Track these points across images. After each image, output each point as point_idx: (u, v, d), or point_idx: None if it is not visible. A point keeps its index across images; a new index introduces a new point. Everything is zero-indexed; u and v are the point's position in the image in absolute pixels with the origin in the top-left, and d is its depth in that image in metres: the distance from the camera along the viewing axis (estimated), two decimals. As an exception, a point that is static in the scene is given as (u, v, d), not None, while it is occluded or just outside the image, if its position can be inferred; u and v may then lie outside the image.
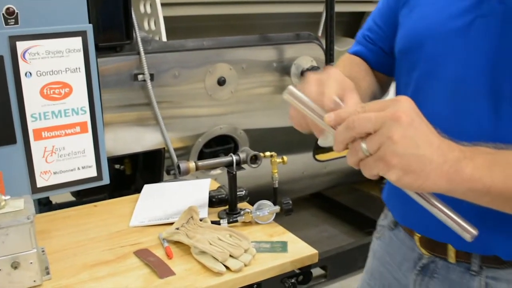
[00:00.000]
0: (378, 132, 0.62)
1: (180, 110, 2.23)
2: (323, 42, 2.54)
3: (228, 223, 1.37)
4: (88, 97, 1.55)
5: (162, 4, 2.26)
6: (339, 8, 2.60)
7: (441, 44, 0.85)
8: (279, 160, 1.50)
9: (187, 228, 1.30)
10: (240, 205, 1.47)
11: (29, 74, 1.45)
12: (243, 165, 1.45)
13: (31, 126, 1.48)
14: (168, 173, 2.24)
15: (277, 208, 1.40)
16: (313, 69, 2.46)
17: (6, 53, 1.41)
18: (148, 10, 2.32)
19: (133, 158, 2.35)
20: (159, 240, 1.31)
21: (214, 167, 1.51)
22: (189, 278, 1.15)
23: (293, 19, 3.28)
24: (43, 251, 1.23)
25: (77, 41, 1.50)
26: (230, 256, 1.18)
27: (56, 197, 2.15)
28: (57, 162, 1.54)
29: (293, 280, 1.27)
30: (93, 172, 1.61)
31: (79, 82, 1.53)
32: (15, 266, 1.08)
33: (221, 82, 2.26)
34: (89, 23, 1.53)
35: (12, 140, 1.46)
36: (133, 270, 1.19)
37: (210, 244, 1.22)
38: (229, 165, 1.44)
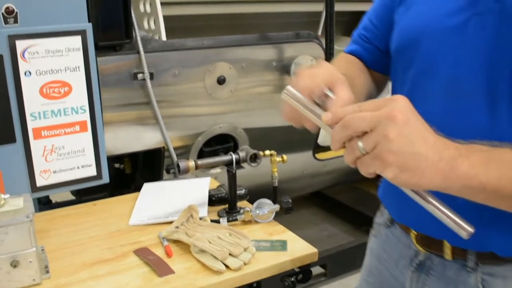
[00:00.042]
0: (374, 131, 0.62)
1: (180, 109, 2.23)
2: (323, 41, 2.54)
3: (228, 221, 1.37)
4: (87, 96, 1.55)
5: (162, 3, 2.26)
6: (339, 7, 2.60)
7: (437, 42, 0.85)
8: (278, 159, 1.51)
9: (187, 226, 1.30)
10: (239, 203, 1.47)
11: (29, 73, 1.45)
12: (242, 164, 1.46)
13: (30, 125, 1.48)
14: (168, 172, 2.24)
15: (276, 207, 1.40)
16: (312, 68, 2.46)
17: (6, 52, 1.41)
18: (148, 9, 2.32)
19: (133, 157, 2.35)
20: (158, 239, 1.32)
21: (213, 166, 1.51)
22: (188, 276, 1.15)
23: (293, 18, 3.28)
24: (42, 249, 1.23)
25: (77, 40, 1.50)
26: (230, 254, 1.18)
27: (56, 196, 2.16)
28: (56, 161, 1.54)
29: (292, 279, 1.27)
30: (92, 171, 1.61)
31: (78, 81, 1.53)
32: (14, 264, 1.08)
33: (221, 81, 2.26)
34: (89, 22, 1.53)
35: (11, 139, 1.46)
36: (132, 269, 1.19)
37: (210, 242, 1.22)
38: (228, 164, 1.44)
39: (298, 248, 1.27)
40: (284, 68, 2.43)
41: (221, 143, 2.42)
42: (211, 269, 1.16)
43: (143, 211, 1.47)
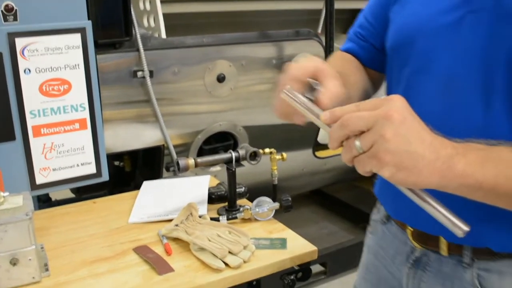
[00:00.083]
0: (371, 130, 0.63)
1: (180, 107, 2.23)
2: (323, 39, 2.54)
3: (227, 219, 1.37)
4: (87, 94, 1.55)
5: (162, 1, 2.25)
6: (338, 5, 2.60)
7: (432, 40, 0.85)
8: (278, 157, 1.50)
9: (186, 224, 1.30)
10: (239, 201, 1.47)
11: (28, 71, 1.45)
12: (242, 162, 1.45)
13: (30, 122, 1.48)
14: (167, 170, 2.24)
15: (276, 205, 1.40)
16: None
17: (5, 50, 1.40)
18: (148, 7, 2.31)
19: (133, 155, 2.35)
20: (158, 237, 1.32)
21: (213, 163, 1.51)
22: (188, 274, 1.15)
23: (293, 16, 3.28)
24: (42, 247, 1.23)
25: (76, 38, 1.50)
26: (229, 252, 1.18)
27: (56, 194, 2.16)
28: (56, 158, 1.54)
29: (292, 277, 1.27)
30: (92, 169, 1.61)
31: (78, 79, 1.53)
32: (14, 262, 1.08)
33: (221, 79, 2.26)
34: (88, 19, 1.53)
35: (11, 137, 1.45)
36: (132, 267, 1.19)
37: (209, 240, 1.22)
38: (228, 161, 1.44)
39: (298, 246, 1.27)
40: (284, 66, 2.42)
41: (220, 141, 2.42)
42: (211, 267, 1.16)
43: (142, 209, 1.47)
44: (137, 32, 2.00)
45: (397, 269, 1.02)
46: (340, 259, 2.66)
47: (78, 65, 1.52)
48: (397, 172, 0.63)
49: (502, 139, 0.72)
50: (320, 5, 2.86)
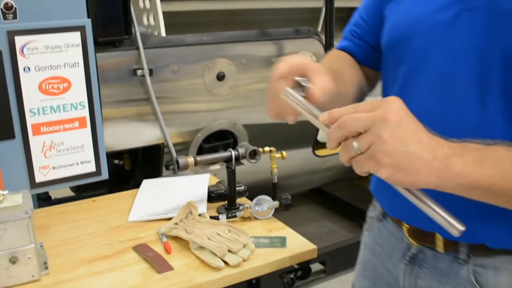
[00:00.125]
0: (369, 131, 0.64)
1: (179, 105, 2.23)
2: (323, 37, 2.54)
3: (227, 218, 1.37)
4: (87, 92, 1.55)
5: (161, -1, 2.26)
6: (338, 3, 2.60)
7: (427, 37, 0.85)
8: (278, 155, 1.50)
9: (186, 223, 1.30)
10: (239, 200, 1.47)
11: (28, 69, 1.45)
12: (242, 160, 1.45)
13: (29, 121, 1.47)
14: (167, 168, 2.24)
15: (276, 204, 1.40)
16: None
17: (5, 48, 1.40)
18: (147, 5, 2.31)
19: (132, 153, 2.35)
20: (157, 235, 1.32)
21: (213, 162, 1.51)
22: (187, 273, 1.15)
23: (292, 14, 3.28)
24: (41, 246, 1.23)
25: (76, 36, 1.50)
26: (229, 251, 1.18)
27: (55, 192, 2.15)
28: (55, 157, 1.54)
29: (292, 276, 1.27)
30: (92, 167, 1.61)
31: (78, 77, 1.53)
32: (13, 261, 1.08)
33: (220, 77, 2.26)
34: (88, 18, 1.53)
35: (10, 135, 1.45)
36: (131, 265, 1.19)
37: (209, 239, 1.22)
38: (228, 160, 1.44)
39: (297, 245, 1.27)
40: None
41: (220, 140, 2.42)
42: (210, 266, 1.16)
43: (142, 208, 1.47)
44: (137, 30, 1.99)
45: (394, 266, 1.02)
46: (340, 258, 2.66)
47: (78, 63, 1.52)
48: (395, 173, 0.64)
49: (497, 137, 0.73)
50: (320, 4, 2.86)
